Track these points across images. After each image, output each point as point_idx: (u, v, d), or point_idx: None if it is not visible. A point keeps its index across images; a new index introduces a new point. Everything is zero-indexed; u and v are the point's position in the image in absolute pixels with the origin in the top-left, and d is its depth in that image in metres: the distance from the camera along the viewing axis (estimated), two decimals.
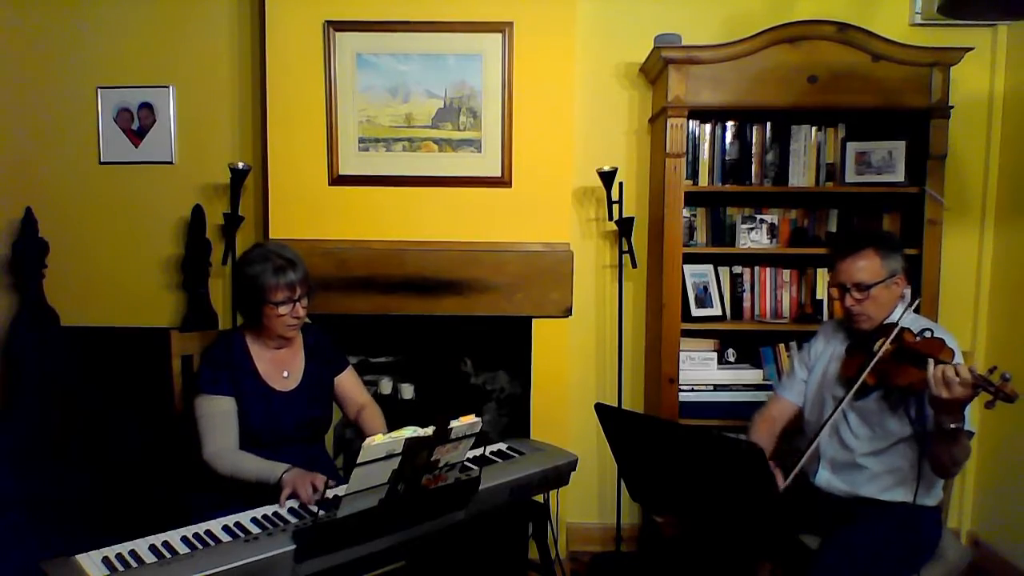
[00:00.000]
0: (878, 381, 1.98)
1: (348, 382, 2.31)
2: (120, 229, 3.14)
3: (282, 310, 2.07)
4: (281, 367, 2.18)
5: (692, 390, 2.87)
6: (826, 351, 2.24)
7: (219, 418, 2.04)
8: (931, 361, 1.80)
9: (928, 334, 1.95)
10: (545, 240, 2.89)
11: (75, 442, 3.03)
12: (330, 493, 1.79)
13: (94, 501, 2.87)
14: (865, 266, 2.04)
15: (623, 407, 3.04)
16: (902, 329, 1.96)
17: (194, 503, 2.04)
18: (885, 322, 2.07)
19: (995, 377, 1.71)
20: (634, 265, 2.95)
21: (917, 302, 2.06)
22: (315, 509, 1.77)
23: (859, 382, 1.96)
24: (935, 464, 1.97)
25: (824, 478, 2.14)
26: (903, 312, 2.02)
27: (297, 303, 2.09)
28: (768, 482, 1.66)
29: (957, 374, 1.73)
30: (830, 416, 2.04)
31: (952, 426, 1.80)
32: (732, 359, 2.96)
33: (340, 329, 2.38)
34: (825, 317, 2.89)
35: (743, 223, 2.91)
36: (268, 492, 1.89)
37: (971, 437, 1.94)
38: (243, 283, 2.09)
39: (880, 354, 1.95)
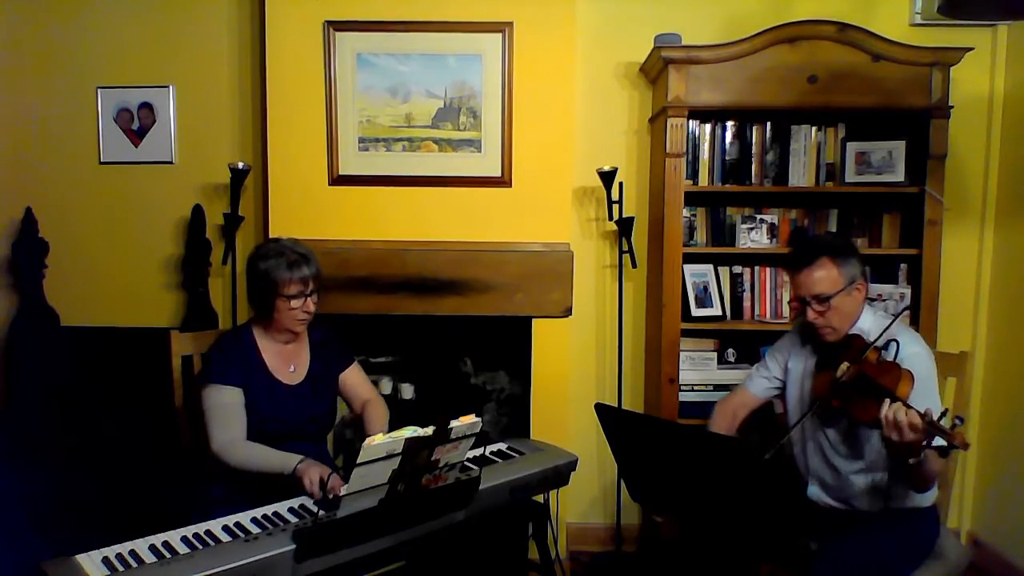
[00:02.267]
0: (843, 406, 1.91)
1: (354, 378, 2.32)
2: (120, 229, 3.14)
3: (294, 304, 2.09)
4: (288, 361, 2.19)
5: (692, 390, 2.87)
6: (799, 364, 2.17)
7: (228, 409, 2.04)
8: (885, 402, 1.71)
9: (893, 347, 1.88)
10: (545, 240, 2.89)
11: (75, 442, 3.03)
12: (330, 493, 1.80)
13: (94, 501, 2.87)
14: (823, 276, 1.96)
15: (623, 407, 3.04)
16: (865, 346, 1.90)
17: (200, 496, 2.05)
18: (852, 331, 2.01)
19: (947, 422, 1.63)
20: (634, 265, 2.95)
21: (905, 312, 1.97)
22: (315, 509, 1.77)
23: (817, 405, 1.92)
24: (908, 484, 1.93)
25: (815, 493, 2.12)
26: (872, 321, 1.96)
27: (309, 298, 2.11)
28: (768, 481, 1.66)
29: (909, 420, 1.65)
30: (797, 422, 2.02)
31: (911, 462, 1.73)
32: (732, 359, 2.96)
33: (340, 329, 2.38)
34: None
35: (743, 223, 2.91)
36: (278, 483, 1.90)
37: (943, 453, 1.78)
38: (257, 276, 2.11)
39: (843, 379, 1.88)
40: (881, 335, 1.90)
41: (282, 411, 2.11)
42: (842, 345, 1.98)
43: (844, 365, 1.90)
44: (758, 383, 2.27)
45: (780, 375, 2.23)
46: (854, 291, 1.99)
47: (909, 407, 1.68)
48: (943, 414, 1.64)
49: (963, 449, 1.62)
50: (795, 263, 2.02)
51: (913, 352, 1.92)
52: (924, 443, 1.67)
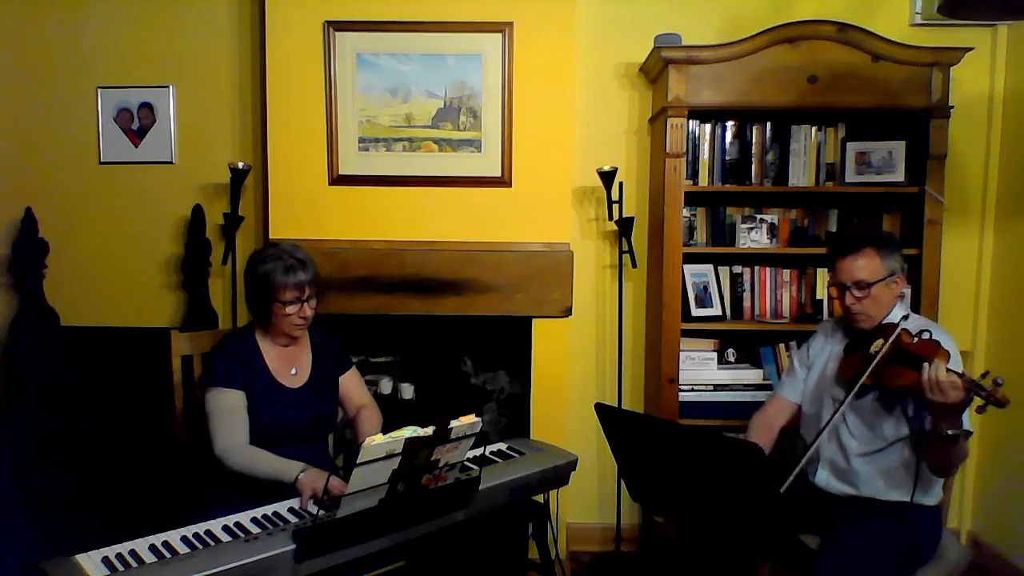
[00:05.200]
0: (874, 382, 1.98)
1: (351, 382, 2.32)
2: (120, 229, 3.14)
3: (289, 309, 2.08)
4: (290, 364, 2.19)
5: (692, 390, 2.87)
6: (824, 350, 2.24)
7: (231, 412, 2.04)
8: (926, 364, 1.80)
9: (926, 335, 1.95)
10: (545, 240, 2.89)
11: (75, 442, 3.03)
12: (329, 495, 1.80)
13: (94, 501, 2.87)
14: (865, 265, 2.05)
15: (623, 407, 3.04)
16: (901, 331, 1.96)
17: (199, 497, 2.05)
18: (884, 322, 2.07)
19: (987, 382, 1.72)
20: (634, 265, 2.95)
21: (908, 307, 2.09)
22: (315, 509, 1.77)
23: (858, 386, 1.96)
24: (932, 465, 1.97)
25: (823, 478, 2.15)
26: (903, 314, 2.02)
27: (305, 303, 2.10)
28: (768, 481, 1.66)
29: (950, 380, 1.74)
30: (830, 419, 2.04)
31: (950, 432, 1.81)
32: (732, 359, 2.96)
33: (340, 329, 2.39)
34: (825, 316, 2.89)
35: (743, 223, 2.91)
36: (280, 489, 1.89)
37: (968, 437, 1.94)
38: (253, 280, 2.10)
39: (878, 356, 1.95)
40: (905, 318, 1.99)
41: (284, 414, 2.11)
42: (874, 332, 2.05)
43: (878, 342, 1.99)
44: (789, 388, 2.32)
45: (805, 376, 2.28)
46: (892, 283, 2.08)
47: (950, 369, 1.77)
48: (983, 375, 1.74)
49: (1002, 406, 1.72)
50: (841, 249, 2.10)
51: (944, 341, 1.97)
52: (965, 404, 1.77)
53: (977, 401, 1.73)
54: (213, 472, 2.04)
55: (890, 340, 1.94)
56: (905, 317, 2.01)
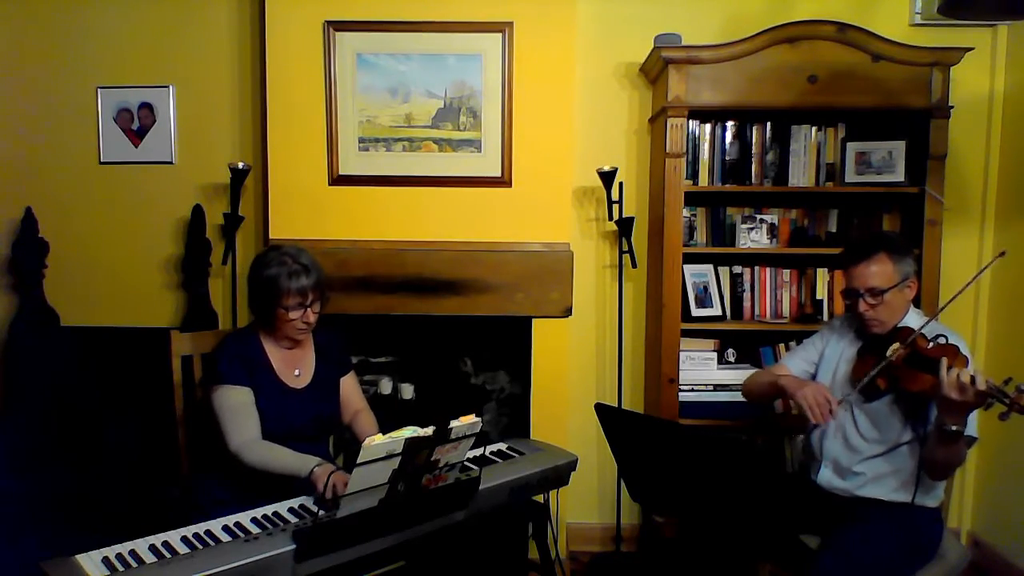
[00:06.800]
0: (889, 385, 1.97)
1: (349, 386, 2.33)
2: (120, 229, 3.14)
3: (292, 315, 2.08)
4: (293, 365, 2.19)
5: (692, 390, 2.87)
6: (835, 351, 2.22)
7: (242, 409, 2.04)
8: (949, 368, 1.78)
9: (942, 340, 1.94)
10: (545, 240, 2.89)
11: (75, 442, 3.03)
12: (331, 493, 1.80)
13: (94, 501, 2.87)
14: (878, 271, 2.02)
15: (623, 407, 3.04)
16: (914, 332, 1.95)
17: (199, 497, 2.06)
18: (898, 326, 2.06)
19: (1011, 388, 1.69)
20: (634, 265, 2.95)
21: (939, 311, 2.07)
22: (315, 509, 1.77)
23: (866, 380, 1.95)
24: (928, 465, 1.97)
25: (826, 477, 2.14)
26: (926, 322, 2.00)
27: (308, 308, 2.11)
28: (768, 481, 1.67)
29: (973, 381, 1.72)
30: (840, 401, 2.04)
31: (953, 428, 1.80)
32: (732, 359, 2.96)
33: (340, 329, 2.39)
34: (825, 317, 2.89)
35: (743, 223, 2.91)
36: (280, 489, 1.89)
37: (972, 443, 1.93)
38: (258, 284, 2.11)
39: (893, 359, 1.94)
40: (927, 322, 1.99)
41: (288, 414, 2.11)
42: (889, 337, 2.03)
43: (895, 346, 1.97)
44: (796, 363, 2.29)
45: (816, 360, 2.26)
46: (906, 288, 2.05)
47: (973, 375, 1.75)
48: (1006, 381, 1.71)
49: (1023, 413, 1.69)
50: (853, 255, 2.06)
51: (962, 347, 1.95)
52: (977, 405, 1.75)
53: (1000, 408, 1.70)
54: (214, 472, 2.04)
55: (907, 344, 1.93)
56: (934, 316, 2.01)
